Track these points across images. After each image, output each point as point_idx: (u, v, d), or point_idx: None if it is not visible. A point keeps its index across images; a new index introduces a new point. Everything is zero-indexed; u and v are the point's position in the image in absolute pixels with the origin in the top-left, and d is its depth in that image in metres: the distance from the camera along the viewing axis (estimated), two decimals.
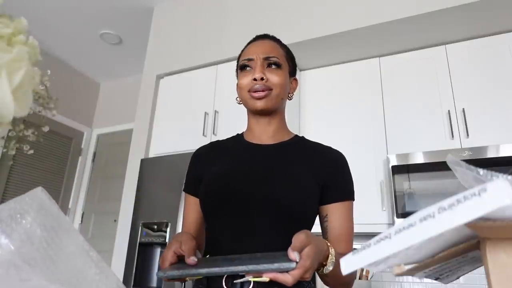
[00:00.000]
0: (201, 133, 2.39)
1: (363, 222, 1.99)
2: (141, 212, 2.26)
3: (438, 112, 2.13)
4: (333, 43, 2.30)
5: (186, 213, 0.96)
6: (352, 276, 0.86)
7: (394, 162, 2.05)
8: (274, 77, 0.89)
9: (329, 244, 0.73)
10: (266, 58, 0.91)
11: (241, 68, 0.93)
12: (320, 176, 0.87)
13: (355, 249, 0.37)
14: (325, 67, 2.53)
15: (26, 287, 0.32)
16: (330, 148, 0.95)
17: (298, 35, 2.29)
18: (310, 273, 0.63)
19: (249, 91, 0.89)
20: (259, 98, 0.88)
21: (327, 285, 0.81)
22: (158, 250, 2.18)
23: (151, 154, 2.57)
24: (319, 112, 2.44)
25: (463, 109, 2.06)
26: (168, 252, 0.72)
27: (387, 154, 2.13)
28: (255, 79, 0.88)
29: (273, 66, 0.90)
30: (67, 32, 3.35)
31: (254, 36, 1.01)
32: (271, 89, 0.88)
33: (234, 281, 0.72)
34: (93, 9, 3.05)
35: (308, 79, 2.55)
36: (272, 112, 0.92)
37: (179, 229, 2.08)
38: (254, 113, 0.94)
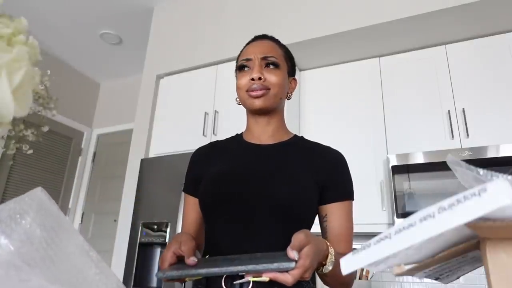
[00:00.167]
0: (201, 133, 2.39)
1: (363, 222, 1.99)
2: (141, 212, 2.26)
3: (438, 112, 2.13)
4: (333, 43, 2.30)
5: (186, 213, 0.96)
6: (352, 276, 0.86)
7: (394, 162, 2.05)
8: (272, 77, 0.89)
9: (328, 243, 0.73)
10: (264, 58, 0.91)
11: (240, 68, 0.94)
12: (320, 176, 0.87)
13: (355, 249, 0.37)
14: (325, 67, 2.53)
15: None
16: (329, 148, 0.95)
17: (298, 35, 2.29)
18: (309, 273, 0.63)
19: (247, 90, 0.89)
20: (257, 97, 0.88)
21: (326, 285, 0.81)
22: (158, 250, 2.18)
23: (151, 154, 2.57)
24: (319, 112, 2.44)
25: (463, 109, 2.06)
26: (167, 252, 0.72)
27: (387, 154, 2.13)
28: (252, 79, 0.88)
29: (271, 66, 0.91)
30: (67, 32, 3.35)
31: (253, 37, 1.01)
32: (268, 89, 0.89)
33: (234, 282, 0.71)
34: (93, 9, 3.05)
35: (308, 79, 2.55)
36: (270, 111, 0.93)
37: (179, 229, 2.08)
38: (252, 112, 0.94)
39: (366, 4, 2.18)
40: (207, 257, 0.83)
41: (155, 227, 2.17)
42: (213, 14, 2.72)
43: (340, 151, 0.95)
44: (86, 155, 3.93)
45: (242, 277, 0.63)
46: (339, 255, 0.74)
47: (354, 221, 0.89)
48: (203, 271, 0.63)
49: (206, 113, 2.44)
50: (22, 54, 0.41)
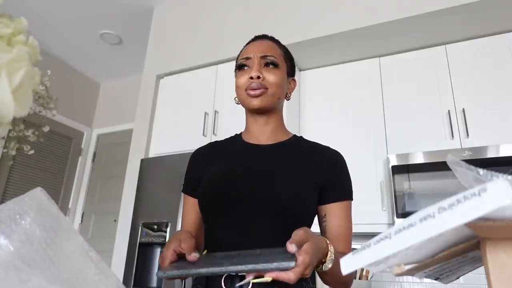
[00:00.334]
0: (201, 133, 2.39)
1: (363, 222, 2.00)
2: (141, 212, 2.26)
3: (438, 112, 2.13)
4: (333, 43, 2.30)
5: (185, 214, 0.97)
6: (351, 275, 0.86)
7: (394, 162, 2.05)
8: (271, 76, 0.89)
9: (328, 241, 0.73)
10: (263, 57, 0.91)
11: (239, 67, 0.94)
12: (319, 176, 0.87)
13: (354, 249, 0.37)
14: (325, 67, 2.53)
15: None
16: (328, 148, 0.95)
17: (298, 35, 2.29)
18: (309, 270, 0.63)
19: (245, 89, 0.89)
20: (255, 96, 0.88)
21: (326, 283, 0.81)
22: (158, 250, 2.18)
23: (151, 154, 2.57)
24: (319, 112, 2.44)
25: (463, 109, 2.06)
26: (167, 251, 0.72)
27: (387, 154, 2.13)
28: (251, 77, 0.88)
29: (270, 66, 0.91)
30: (67, 32, 3.35)
31: (253, 37, 1.01)
32: (266, 88, 0.89)
33: (236, 285, 0.71)
34: (93, 9, 3.05)
35: (308, 79, 2.55)
36: (269, 111, 0.93)
37: (179, 229, 2.08)
38: (251, 111, 0.94)
39: (366, 4, 2.18)
40: (204, 252, 0.83)
41: (155, 227, 2.17)
42: (213, 14, 2.72)
43: (340, 151, 0.95)
44: (86, 155, 3.93)
45: (243, 277, 0.63)
46: (339, 254, 0.74)
47: (354, 221, 0.89)
48: (203, 270, 0.63)
49: (206, 113, 2.44)
50: (22, 54, 0.41)
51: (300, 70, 2.58)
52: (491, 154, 1.87)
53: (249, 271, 0.60)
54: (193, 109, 2.52)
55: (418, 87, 2.22)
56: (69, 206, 3.68)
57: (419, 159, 2.00)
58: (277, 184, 0.83)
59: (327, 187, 0.87)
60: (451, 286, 1.92)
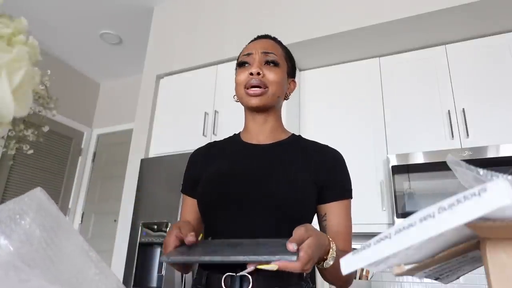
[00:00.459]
0: (201, 133, 2.39)
1: (363, 222, 2.00)
2: (141, 212, 2.26)
3: (438, 112, 2.13)
4: (333, 43, 2.30)
5: (183, 214, 0.97)
6: (351, 274, 0.86)
7: (394, 162, 2.05)
8: (271, 74, 0.89)
9: (330, 238, 0.73)
10: (265, 53, 0.91)
11: (240, 65, 0.94)
12: (318, 175, 0.87)
13: (354, 249, 0.37)
14: (325, 67, 2.53)
15: None
16: (327, 146, 0.95)
17: (298, 35, 2.29)
18: (310, 264, 0.63)
19: (245, 87, 0.89)
20: (255, 96, 0.88)
21: (326, 280, 0.81)
22: (158, 250, 2.18)
23: (151, 154, 2.57)
24: (319, 112, 2.44)
25: (463, 109, 2.06)
26: (170, 237, 0.72)
27: (387, 154, 2.13)
28: (251, 74, 0.88)
29: (271, 64, 0.91)
30: (67, 32, 3.35)
31: (254, 36, 1.01)
32: (267, 87, 0.89)
33: (242, 272, 0.71)
34: (93, 9, 3.05)
35: (308, 79, 2.55)
36: (267, 109, 0.93)
37: None
38: (250, 110, 0.94)
39: (366, 4, 2.18)
40: (209, 239, 0.84)
41: (155, 227, 2.17)
42: (213, 14, 2.72)
43: (339, 151, 0.95)
44: (86, 155, 3.93)
45: (245, 267, 0.63)
46: (340, 252, 0.74)
47: (354, 221, 0.89)
48: (206, 258, 0.64)
49: (206, 113, 2.44)
50: (22, 54, 0.41)
51: (300, 70, 2.58)
52: (491, 154, 1.87)
53: (251, 262, 0.61)
54: (193, 109, 2.52)
55: (418, 87, 2.22)
56: (69, 206, 3.68)
57: (419, 159, 2.00)
58: (276, 184, 0.83)
59: (326, 186, 0.87)
60: (451, 286, 1.92)
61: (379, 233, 0.33)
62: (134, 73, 3.89)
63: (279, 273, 0.62)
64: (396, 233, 0.31)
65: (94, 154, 3.93)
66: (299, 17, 2.36)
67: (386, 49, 2.34)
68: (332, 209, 0.87)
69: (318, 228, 0.91)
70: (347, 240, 0.86)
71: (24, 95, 0.42)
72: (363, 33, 2.19)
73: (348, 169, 0.93)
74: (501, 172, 0.31)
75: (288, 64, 0.97)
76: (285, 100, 0.99)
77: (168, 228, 2.12)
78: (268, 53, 0.91)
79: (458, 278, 0.44)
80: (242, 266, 0.63)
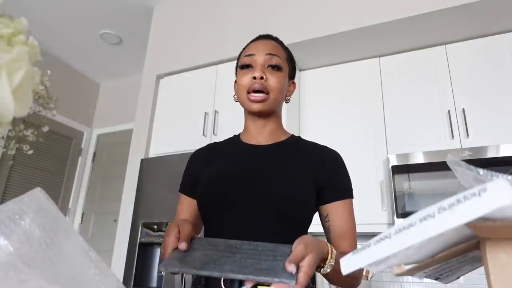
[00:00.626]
0: (201, 133, 2.39)
1: (363, 222, 1.99)
2: (141, 212, 2.26)
3: (438, 112, 2.13)
4: (333, 43, 2.30)
5: (179, 214, 0.96)
6: (355, 274, 0.85)
7: (394, 162, 2.05)
8: (274, 79, 0.89)
9: (330, 246, 0.72)
10: (268, 55, 0.90)
11: (241, 66, 0.93)
12: (317, 175, 0.87)
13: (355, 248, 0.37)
14: (325, 67, 2.53)
15: None
16: (326, 147, 0.95)
17: (298, 35, 2.29)
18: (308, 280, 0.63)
19: (248, 92, 0.89)
20: (256, 102, 0.88)
21: (331, 283, 0.81)
22: (158, 250, 2.18)
23: (151, 154, 2.57)
24: (319, 112, 2.44)
25: (463, 109, 2.06)
26: (169, 238, 0.71)
27: (387, 154, 2.13)
28: (254, 77, 0.88)
29: (275, 68, 0.90)
30: (67, 32, 3.35)
31: (255, 36, 1.00)
32: (268, 93, 0.88)
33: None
34: (93, 9, 3.05)
35: (308, 79, 2.55)
36: (268, 114, 0.93)
37: None
38: (250, 113, 0.94)
39: (366, 4, 2.18)
40: (205, 238, 0.83)
41: (155, 227, 2.17)
42: (213, 14, 2.72)
43: (340, 151, 0.95)
44: (86, 155, 3.93)
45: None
46: (344, 254, 0.73)
47: (355, 220, 0.89)
48: (204, 272, 0.63)
49: (206, 113, 2.44)
50: (22, 54, 0.41)
51: (300, 70, 2.58)
52: (491, 154, 1.87)
53: (249, 280, 0.61)
54: (193, 109, 2.52)
55: (418, 87, 2.22)
56: (69, 206, 3.68)
57: (419, 159, 2.00)
58: (275, 184, 0.83)
59: (326, 187, 0.87)
60: (451, 286, 1.92)
61: (379, 233, 0.33)
62: (134, 73, 3.89)
63: None
64: (396, 233, 0.31)
65: (94, 154, 3.93)
66: (299, 17, 2.36)
67: (386, 49, 2.34)
68: (334, 209, 0.86)
69: (317, 228, 0.92)
70: (352, 239, 0.85)
71: (24, 95, 0.42)
72: (363, 33, 2.19)
73: (348, 169, 0.93)
74: (501, 172, 0.31)
75: (289, 67, 0.96)
76: (285, 103, 0.99)
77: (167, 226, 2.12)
78: (272, 55, 0.91)
79: (458, 278, 0.44)
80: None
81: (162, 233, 2.13)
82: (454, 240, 0.33)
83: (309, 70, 2.57)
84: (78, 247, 0.39)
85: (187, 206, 0.95)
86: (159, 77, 2.78)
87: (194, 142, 2.29)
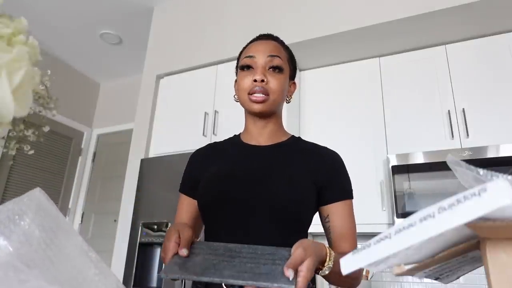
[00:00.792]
0: (201, 133, 2.39)
1: (363, 222, 1.99)
2: (141, 212, 2.26)
3: (438, 112, 2.12)
4: (333, 43, 2.30)
5: (179, 214, 0.97)
6: (355, 274, 0.85)
7: (394, 162, 2.05)
8: (274, 81, 0.89)
9: (328, 249, 0.72)
10: (270, 57, 0.90)
11: (242, 67, 0.93)
12: (317, 176, 0.87)
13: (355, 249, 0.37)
14: (325, 67, 2.53)
15: None
16: (326, 148, 0.95)
17: (298, 35, 2.29)
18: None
19: (248, 93, 0.89)
20: (257, 102, 0.88)
21: (331, 283, 0.81)
22: (158, 250, 2.18)
23: (151, 154, 2.57)
24: (319, 112, 2.44)
25: (463, 109, 2.06)
26: (169, 243, 0.71)
27: (387, 154, 2.13)
28: (255, 80, 0.88)
29: (276, 70, 0.90)
30: (67, 32, 3.35)
31: (256, 35, 1.00)
32: (269, 94, 0.88)
33: None
34: (93, 9, 3.05)
35: (308, 79, 2.55)
36: (269, 115, 0.93)
37: None
38: (251, 114, 0.94)
39: (366, 4, 2.18)
40: (204, 242, 0.83)
41: (155, 227, 2.17)
42: (213, 14, 2.72)
43: (339, 151, 0.95)
44: (86, 155, 3.93)
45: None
46: (344, 255, 0.73)
47: (355, 220, 0.89)
48: (204, 279, 0.64)
49: (206, 113, 2.44)
50: (22, 54, 0.41)
51: (300, 70, 2.58)
52: (491, 154, 1.87)
53: (248, 285, 0.61)
54: (193, 109, 2.52)
55: (418, 87, 2.22)
56: (69, 206, 3.68)
57: (419, 159, 2.00)
58: (275, 184, 0.84)
59: (326, 188, 0.87)
60: (451, 286, 1.92)
61: (379, 233, 0.33)
62: (134, 73, 3.89)
63: None
64: (396, 233, 0.31)
65: (94, 154, 3.93)
66: (299, 17, 2.36)
67: (386, 49, 2.34)
68: (334, 210, 0.87)
69: (317, 228, 0.92)
70: (353, 239, 0.86)
71: (24, 95, 0.42)
72: (363, 33, 2.19)
73: (348, 169, 0.93)
74: (501, 172, 0.31)
75: (290, 67, 0.96)
76: (286, 103, 0.99)
77: (168, 228, 2.12)
78: (273, 56, 0.90)
79: (458, 278, 0.44)
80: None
81: (162, 233, 2.13)
82: (454, 240, 0.33)
83: (309, 70, 2.57)
84: (78, 247, 0.39)
85: (187, 206, 0.95)
86: (159, 77, 2.78)
87: (194, 142, 2.29)
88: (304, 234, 0.87)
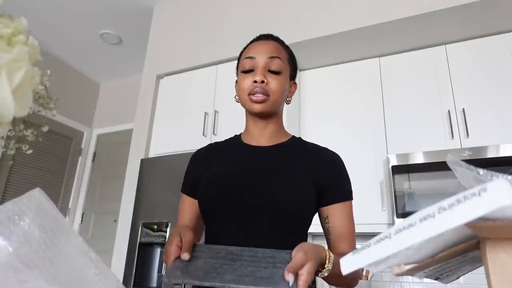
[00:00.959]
0: (201, 133, 2.39)
1: (363, 222, 1.99)
2: (141, 212, 2.26)
3: (438, 112, 2.12)
4: (333, 43, 2.30)
5: (181, 214, 0.97)
6: (354, 276, 0.86)
7: (394, 162, 2.05)
8: (274, 82, 0.89)
9: (328, 251, 0.73)
10: (270, 58, 0.90)
11: (242, 67, 0.93)
12: (317, 177, 0.87)
13: (355, 249, 0.37)
14: (325, 67, 2.53)
15: None
16: (326, 149, 0.95)
17: (298, 35, 2.29)
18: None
19: (249, 94, 0.89)
20: (257, 102, 0.88)
21: (330, 284, 0.81)
22: (158, 250, 2.18)
23: (151, 154, 2.57)
24: (319, 112, 2.44)
25: (463, 109, 2.06)
26: (171, 247, 0.71)
27: (387, 154, 2.13)
28: (255, 81, 0.88)
29: (275, 71, 0.90)
30: (67, 32, 3.35)
31: (256, 36, 1.00)
32: (269, 95, 0.88)
33: None
34: (93, 9, 3.05)
35: (308, 79, 2.55)
36: (269, 115, 0.93)
37: None
38: (251, 114, 0.94)
39: (366, 4, 2.18)
40: (205, 244, 0.84)
41: (155, 227, 2.17)
42: (213, 14, 2.72)
43: (340, 151, 0.95)
44: (86, 155, 3.93)
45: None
46: (343, 255, 0.74)
47: (354, 221, 0.90)
48: (206, 283, 0.65)
49: (206, 113, 2.44)
50: (22, 54, 0.41)
51: (300, 70, 2.58)
52: (491, 154, 1.87)
53: None
54: (193, 109, 2.52)
55: (418, 87, 2.22)
56: (69, 206, 3.68)
57: (419, 159, 2.00)
58: (275, 185, 0.84)
59: (325, 188, 0.87)
60: (451, 286, 1.92)
61: (379, 233, 0.33)
62: (134, 73, 3.89)
63: None
64: (396, 233, 0.31)
65: (94, 154, 3.93)
66: (299, 17, 2.36)
67: (386, 49, 2.34)
68: (334, 211, 0.87)
69: (316, 229, 0.92)
70: (351, 240, 0.86)
71: (24, 95, 0.42)
72: (363, 33, 2.19)
73: (348, 169, 0.93)
74: (501, 172, 0.31)
75: (290, 67, 0.96)
76: (287, 104, 0.99)
77: (168, 229, 2.12)
78: (274, 57, 0.90)
79: (458, 278, 0.44)
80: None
81: (162, 233, 2.13)
82: (454, 240, 0.33)
83: (309, 70, 2.57)
84: (78, 248, 0.39)
85: (189, 206, 0.95)
86: (159, 77, 2.78)
87: (194, 142, 2.30)
88: (304, 234, 0.87)
